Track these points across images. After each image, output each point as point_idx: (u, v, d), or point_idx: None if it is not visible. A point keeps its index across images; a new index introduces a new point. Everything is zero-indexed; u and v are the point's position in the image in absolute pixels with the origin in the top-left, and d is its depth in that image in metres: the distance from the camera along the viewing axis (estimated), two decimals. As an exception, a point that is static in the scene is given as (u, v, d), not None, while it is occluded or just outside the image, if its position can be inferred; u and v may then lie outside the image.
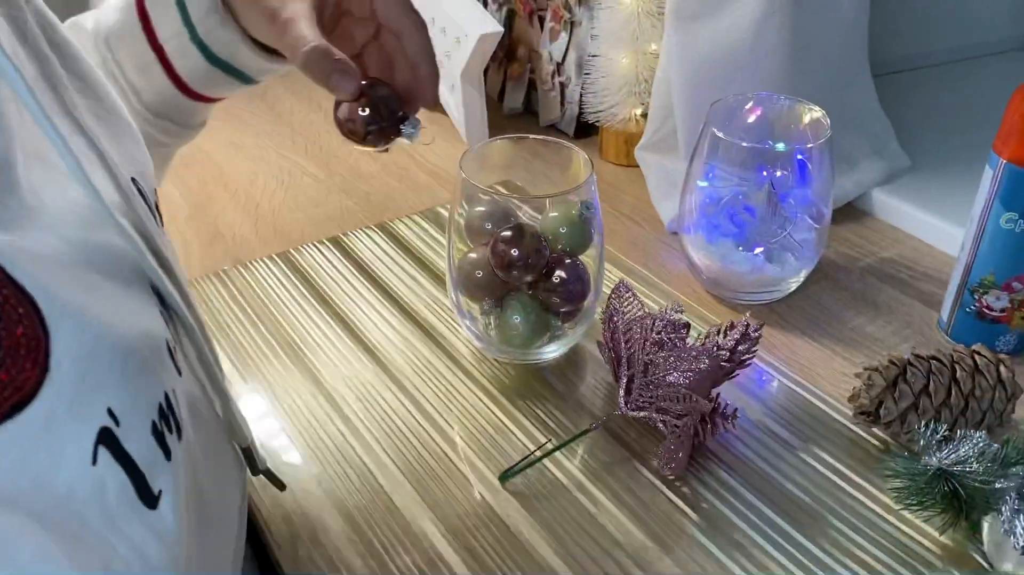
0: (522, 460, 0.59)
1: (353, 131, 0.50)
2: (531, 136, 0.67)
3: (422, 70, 0.52)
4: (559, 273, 0.63)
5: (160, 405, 0.35)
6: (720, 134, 0.68)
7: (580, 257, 0.65)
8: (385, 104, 0.50)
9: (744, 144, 0.69)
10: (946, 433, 0.54)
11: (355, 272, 0.78)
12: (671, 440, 0.57)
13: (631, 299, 0.64)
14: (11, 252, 0.30)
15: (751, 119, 0.74)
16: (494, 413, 0.64)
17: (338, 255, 0.81)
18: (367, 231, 0.84)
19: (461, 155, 0.63)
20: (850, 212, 0.87)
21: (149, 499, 0.33)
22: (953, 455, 0.51)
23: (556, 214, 0.65)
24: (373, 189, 0.93)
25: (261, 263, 0.80)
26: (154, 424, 0.34)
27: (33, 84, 0.35)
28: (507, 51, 1.08)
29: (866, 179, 0.88)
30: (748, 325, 0.62)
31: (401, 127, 0.51)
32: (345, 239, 0.83)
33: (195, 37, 0.54)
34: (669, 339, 0.58)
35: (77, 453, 0.30)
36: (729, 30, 0.80)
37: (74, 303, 0.32)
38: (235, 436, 0.46)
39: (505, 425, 0.63)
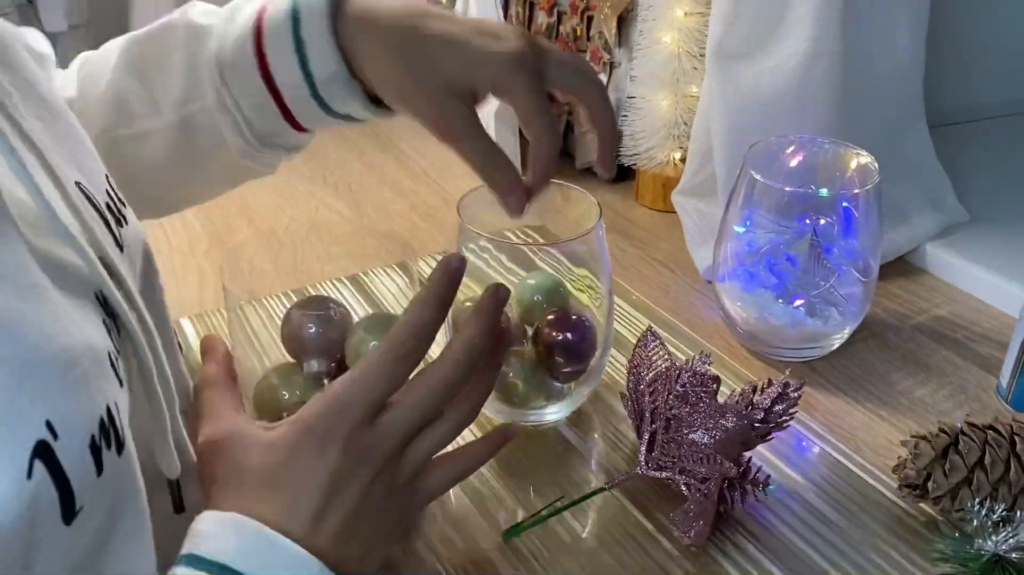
0: (529, 517, 0.54)
1: None
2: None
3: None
4: (555, 333, 0.59)
5: (101, 418, 0.34)
6: (759, 177, 0.64)
7: (586, 310, 0.61)
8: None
9: (784, 188, 0.64)
10: (1004, 514, 0.48)
11: (369, 311, 0.75)
12: (691, 504, 0.52)
13: (658, 348, 0.59)
14: None
15: (793, 163, 0.69)
16: (501, 465, 0.59)
17: (354, 292, 0.78)
18: (387, 270, 0.81)
19: (460, 197, 0.60)
20: (901, 267, 0.81)
21: (69, 514, 0.32)
22: (1013, 539, 0.45)
23: (533, 282, 0.61)
24: (399, 228, 0.90)
25: (275, 298, 0.77)
26: (92, 438, 0.33)
27: None
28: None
29: (920, 233, 0.82)
30: (787, 384, 0.57)
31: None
32: (364, 277, 0.80)
33: (315, 93, 0.53)
34: (694, 392, 0.53)
35: (12, 466, 0.29)
36: (774, 71, 0.76)
37: (12, 311, 0.31)
38: (164, 465, 0.42)
39: (512, 479, 0.58)
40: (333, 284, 0.79)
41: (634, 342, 0.60)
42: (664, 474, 0.54)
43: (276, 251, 0.87)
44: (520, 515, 0.55)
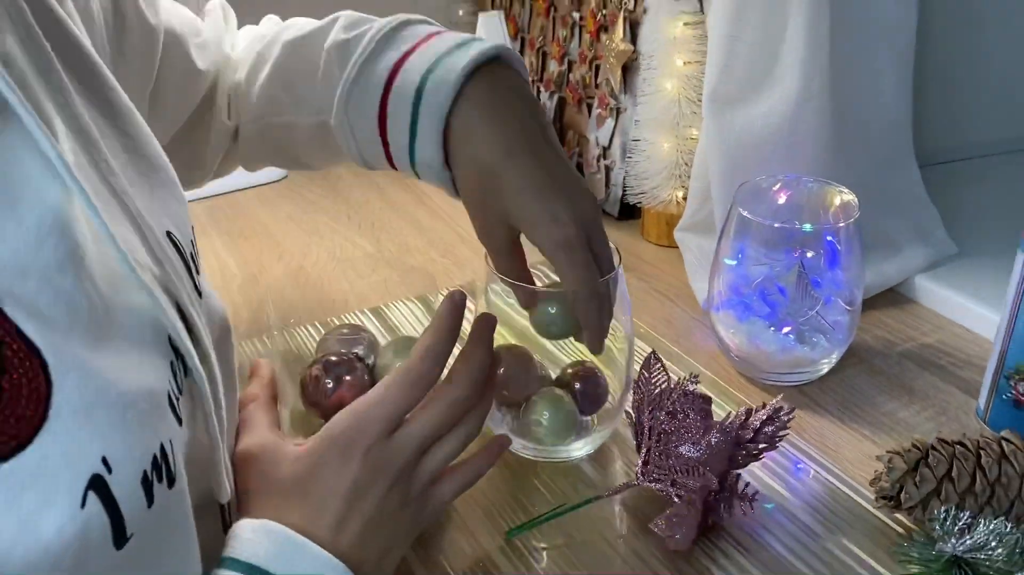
0: (531, 520, 0.59)
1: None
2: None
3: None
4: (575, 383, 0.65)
5: (155, 455, 0.37)
6: (746, 214, 0.69)
7: (610, 350, 0.66)
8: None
9: (773, 224, 0.69)
10: (969, 520, 0.52)
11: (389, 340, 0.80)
12: (675, 511, 0.56)
13: (660, 371, 0.64)
14: (26, 308, 0.33)
15: (780, 200, 0.74)
16: (511, 468, 0.64)
17: (376, 323, 0.83)
18: (407, 302, 0.87)
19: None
20: (892, 297, 0.86)
21: (120, 540, 0.35)
22: (970, 541, 0.49)
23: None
24: (418, 263, 0.96)
25: (303, 328, 0.83)
26: (145, 474, 0.36)
27: (67, 146, 0.38)
28: (558, 136, 1.12)
29: (910, 265, 0.86)
30: (780, 408, 0.61)
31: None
32: (385, 309, 0.86)
33: (412, 161, 0.59)
34: (682, 410, 0.58)
35: (68, 496, 0.33)
36: (766, 115, 0.81)
37: (79, 357, 0.35)
38: (216, 491, 0.47)
39: (522, 483, 0.63)
40: (356, 315, 0.85)
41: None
42: (658, 486, 0.59)
43: (304, 285, 0.94)
44: (523, 518, 0.60)
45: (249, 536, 0.46)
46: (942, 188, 0.94)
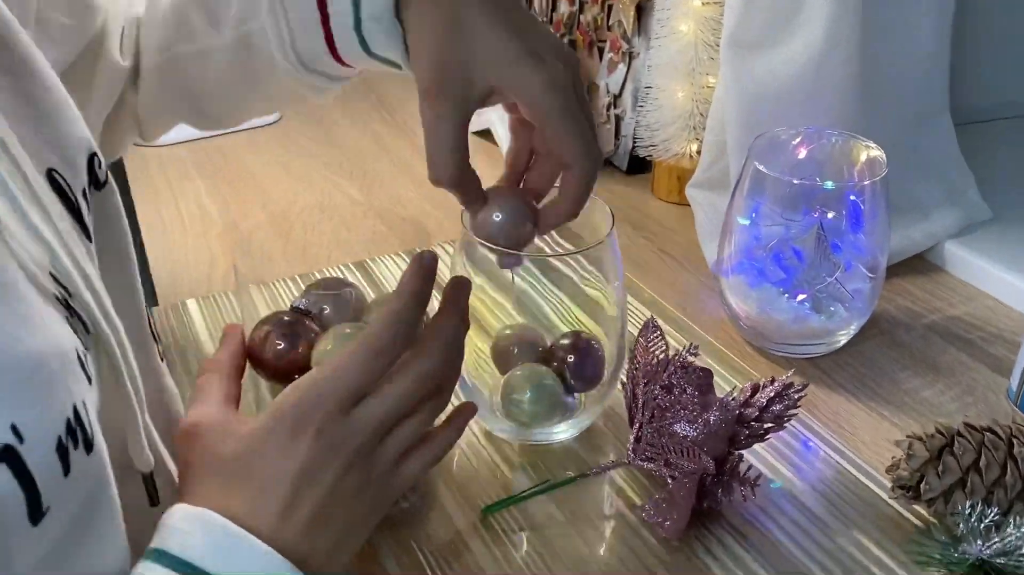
0: (509, 497, 0.54)
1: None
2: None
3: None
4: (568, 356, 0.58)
5: (68, 419, 0.34)
6: (762, 168, 0.63)
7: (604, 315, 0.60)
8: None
9: (791, 180, 0.63)
10: (996, 518, 0.47)
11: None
12: (664, 495, 0.51)
13: (658, 339, 0.58)
14: None
15: (800, 155, 0.68)
16: (489, 443, 0.59)
17: (360, 280, 0.78)
18: (395, 257, 0.81)
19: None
20: (918, 264, 0.79)
21: (36, 515, 0.32)
22: (999, 544, 0.44)
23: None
24: (409, 215, 0.90)
25: (282, 283, 0.77)
26: (59, 439, 0.33)
27: None
28: (566, 82, 1.05)
29: (938, 230, 0.80)
30: (790, 384, 0.55)
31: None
32: (371, 263, 0.80)
33: (358, 27, 0.51)
34: (678, 383, 0.52)
35: None
36: (789, 61, 0.74)
37: None
38: (136, 460, 0.42)
39: (501, 456, 0.58)
40: (339, 269, 0.80)
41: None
42: (651, 465, 0.53)
43: (286, 235, 0.88)
44: (501, 495, 0.55)
45: (183, 526, 0.40)
46: (978, 149, 0.87)
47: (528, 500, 0.55)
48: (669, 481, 0.53)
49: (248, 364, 0.53)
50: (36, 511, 0.32)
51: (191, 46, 0.57)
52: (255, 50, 0.55)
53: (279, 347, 0.51)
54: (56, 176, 0.40)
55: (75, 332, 0.36)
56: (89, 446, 0.35)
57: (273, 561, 0.40)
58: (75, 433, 0.34)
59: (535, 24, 0.48)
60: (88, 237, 0.41)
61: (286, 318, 0.53)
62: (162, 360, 0.51)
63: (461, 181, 0.47)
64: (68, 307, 0.37)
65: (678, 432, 0.51)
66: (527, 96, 0.46)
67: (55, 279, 0.36)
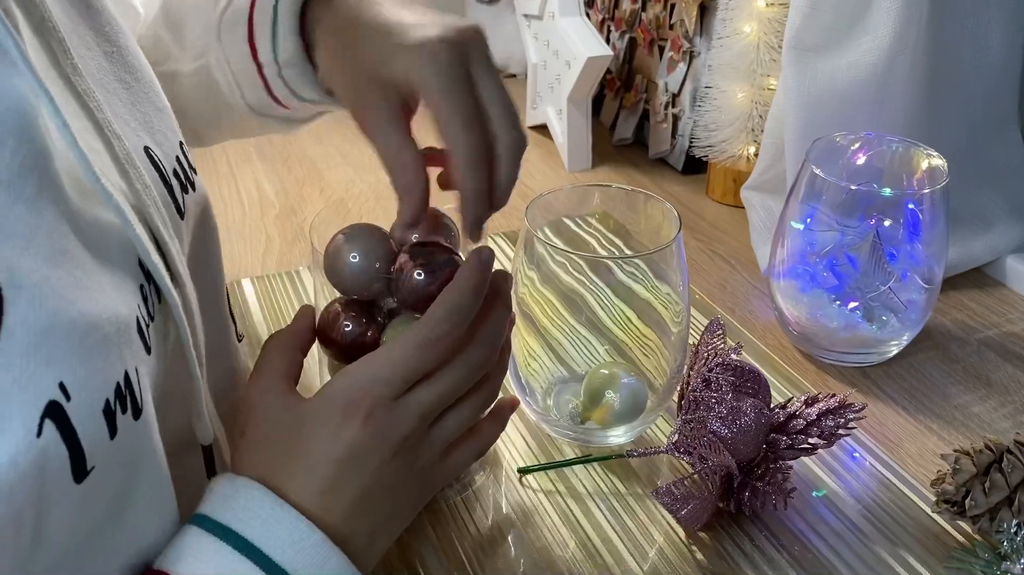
0: (550, 462, 0.56)
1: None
2: (614, 185, 0.62)
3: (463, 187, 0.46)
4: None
5: (118, 384, 0.34)
6: (819, 172, 0.62)
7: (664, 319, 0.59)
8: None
9: (848, 186, 0.62)
10: (1043, 539, 0.46)
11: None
12: (682, 484, 0.52)
13: (721, 338, 0.58)
14: None
15: (859, 161, 0.67)
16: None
17: (411, 267, 0.79)
18: (446, 246, 0.82)
19: (529, 203, 0.58)
20: (977, 277, 0.77)
21: (80, 474, 0.32)
22: (1043, 565, 0.43)
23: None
24: (463, 205, 0.91)
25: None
26: (107, 403, 0.34)
27: (28, 43, 0.34)
28: (625, 80, 1.04)
29: (1001, 243, 0.78)
30: (850, 404, 0.54)
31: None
32: (423, 252, 0.81)
33: (280, 73, 0.53)
34: (715, 379, 0.52)
35: (22, 424, 0.30)
36: (853, 66, 0.73)
37: (35, 275, 0.31)
38: (198, 432, 0.43)
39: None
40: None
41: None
42: (686, 458, 0.53)
43: (343, 221, 0.89)
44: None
45: (227, 492, 0.42)
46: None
47: (564, 468, 0.56)
48: (695, 475, 0.53)
49: (317, 342, 0.53)
50: (80, 469, 0.32)
51: (163, 66, 0.57)
52: (215, 85, 0.56)
53: (347, 328, 0.51)
54: (151, 153, 0.41)
55: (144, 299, 0.37)
56: (138, 413, 0.35)
57: (312, 537, 0.41)
58: (124, 398, 0.34)
59: (423, 9, 0.47)
60: (180, 213, 0.43)
61: (357, 300, 0.53)
62: (240, 340, 0.52)
63: (421, 184, 0.46)
64: (146, 274, 0.38)
65: (710, 427, 0.51)
66: (412, 81, 0.44)
67: (130, 246, 0.37)
